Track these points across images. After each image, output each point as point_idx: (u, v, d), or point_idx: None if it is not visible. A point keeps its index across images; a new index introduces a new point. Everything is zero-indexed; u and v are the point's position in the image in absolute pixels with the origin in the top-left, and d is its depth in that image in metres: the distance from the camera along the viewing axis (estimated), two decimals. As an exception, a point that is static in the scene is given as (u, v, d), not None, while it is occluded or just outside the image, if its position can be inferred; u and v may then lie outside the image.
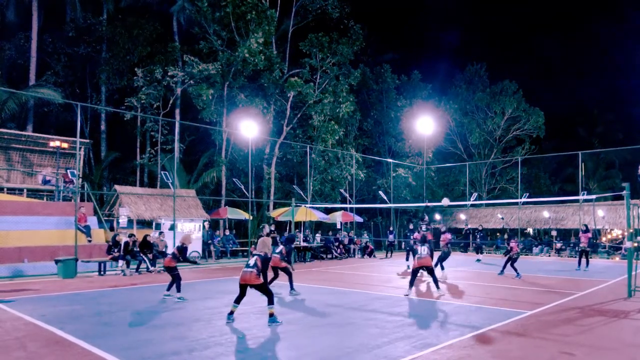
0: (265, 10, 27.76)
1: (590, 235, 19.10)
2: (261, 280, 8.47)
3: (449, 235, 17.05)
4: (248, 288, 8.53)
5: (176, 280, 10.95)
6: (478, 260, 23.26)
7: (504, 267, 16.47)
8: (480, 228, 27.93)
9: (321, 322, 8.77)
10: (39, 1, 27.28)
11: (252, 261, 8.58)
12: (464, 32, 66.90)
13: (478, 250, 25.69)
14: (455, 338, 7.40)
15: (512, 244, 16.36)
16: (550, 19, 67.58)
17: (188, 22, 30.48)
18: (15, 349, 6.74)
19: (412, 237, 17.82)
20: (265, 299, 8.54)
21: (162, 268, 17.35)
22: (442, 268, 15.92)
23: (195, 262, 11.53)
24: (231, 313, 8.65)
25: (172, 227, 19.95)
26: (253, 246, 8.75)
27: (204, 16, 27.51)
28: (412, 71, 39.25)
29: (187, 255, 11.46)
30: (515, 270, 15.87)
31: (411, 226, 25.48)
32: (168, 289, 11.10)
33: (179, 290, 10.93)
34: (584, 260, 18.80)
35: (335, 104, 30.40)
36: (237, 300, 8.69)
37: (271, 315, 8.43)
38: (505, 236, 18.05)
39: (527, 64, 62.24)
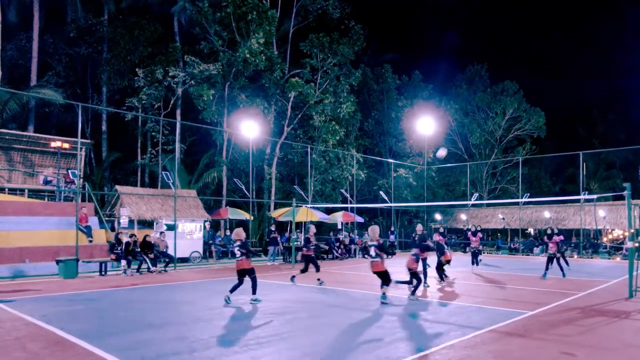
0: (266, 11, 27.77)
1: (561, 238, 18.31)
2: (384, 267, 10.47)
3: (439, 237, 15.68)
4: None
5: (253, 282, 10.52)
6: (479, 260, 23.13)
7: (547, 268, 15.92)
8: (479, 228, 27.79)
9: (322, 322, 8.77)
10: (40, 2, 27.32)
11: (372, 252, 10.49)
12: (465, 32, 66.98)
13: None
14: (456, 338, 7.40)
15: (551, 244, 15.99)
16: (551, 19, 67.60)
17: (189, 23, 30.51)
18: (16, 349, 6.75)
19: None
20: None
21: (172, 267, 17.45)
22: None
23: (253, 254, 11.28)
24: (383, 294, 10.56)
25: (172, 227, 19.93)
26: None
27: (205, 17, 27.54)
28: (412, 71, 39.31)
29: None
30: (561, 269, 15.80)
31: (420, 227, 25.19)
32: (232, 291, 10.56)
33: (254, 292, 10.57)
34: (556, 266, 17.50)
35: (336, 104, 30.42)
36: (383, 284, 10.66)
37: (383, 293, 10.54)
38: (548, 231, 17.22)
39: (527, 64, 62.25)
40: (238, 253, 10.46)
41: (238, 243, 10.49)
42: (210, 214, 24.60)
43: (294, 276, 14.29)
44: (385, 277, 10.51)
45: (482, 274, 17.14)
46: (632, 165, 40.01)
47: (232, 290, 10.48)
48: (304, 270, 13.92)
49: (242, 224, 30.24)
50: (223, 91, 28.68)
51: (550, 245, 16.23)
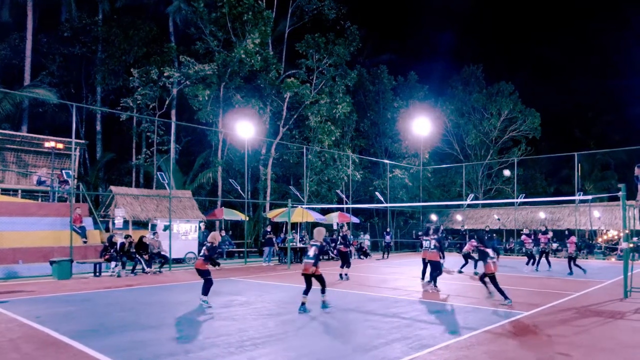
0: (261, 11, 27.74)
1: (549, 236, 19.11)
2: (319, 271, 9.53)
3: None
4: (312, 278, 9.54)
5: (207, 283, 10.34)
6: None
7: (570, 266, 17.24)
8: (487, 229, 27.57)
9: (318, 323, 8.74)
10: (34, 1, 27.15)
11: (311, 252, 9.54)
12: (460, 33, 67.06)
13: None
14: (451, 339, 7.39)
15: (569, 243, 17.45)
16: (547, 20, 67.89)
17: (184, 23, 30.42)
18: (10, 350, 6.69)
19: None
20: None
21: (166, 268, 17.38)
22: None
23: (218, 264, 11.13)
24: (303, 304, 9.48)
25: (167, 228, 19.86)
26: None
27: (200, 17, 27.48)
28: (408, 72, 39.32)
29: (215, 254, 10.87)
30: (580, 267, 16.98)
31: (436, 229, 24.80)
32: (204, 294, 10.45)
33: (205, 294, 10.31)
34: (544, 259, 19.17)
35: (331, 105, 30.39)
36: (306, 292, 9.57)
37: (324, 302, 9.78)
38: (566, 232, 19.04)
39: (523, 65, 62.47)
40: (201, 252, 10.68)
41: (208, 245, 10.65)
42: (205, 215, 24.53)
43: (341, 274, 15.69)
44: (322, 282, 9.73)
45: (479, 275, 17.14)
46: (627, 166, 40.20)
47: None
48: (346, 265, 15.67)
49: (237, 224, 30.19)
50: (218, 91, 28.61)
51: (542, 240, 18.42)
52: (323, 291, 9.85)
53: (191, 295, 11.66)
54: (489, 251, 10.93)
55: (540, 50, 63.55)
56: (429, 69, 63.11)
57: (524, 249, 22.32)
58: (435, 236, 13.22)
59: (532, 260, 19.58)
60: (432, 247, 12.96)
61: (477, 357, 6.48)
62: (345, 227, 17.29)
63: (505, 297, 10.49)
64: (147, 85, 27.09)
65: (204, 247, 10.65)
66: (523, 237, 21.03)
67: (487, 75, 42.16)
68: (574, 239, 17.85)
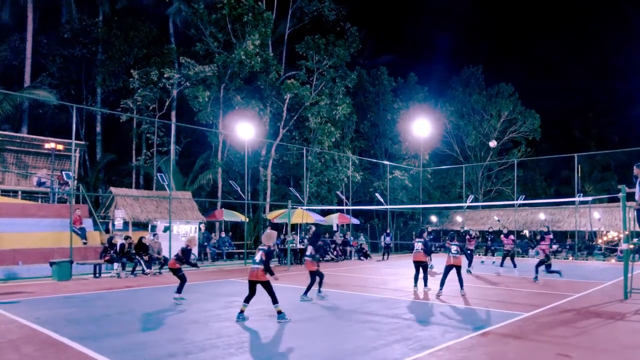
0: (261, 13, 27.75)
1: (551, 236, 18.28)
2: (267, 277, 8.60)
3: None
4: (257, 285, 8.70)
5: (181, 280, 11.11)
6: (493, 262, 23.01)
7: (539, 270, 15.81)
8: (490, 230, 27.45)
9: (317, 324, 8.74)
10: (35, 2, 27.18)
11: (257, 256, 8.72)
12: (461, 34, 67.12)
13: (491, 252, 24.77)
14: (452, 340, 7.38)
15: (542, 246, 16.05)
16: (547, 21, 67.95)
17: (184, 24, 30.43)
18: (9, 352, 6.68)
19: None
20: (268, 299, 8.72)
21: (166, 269, 17.38)
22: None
23: (195, 265, 11.61)
24: (241, 312, 8.86)
25: (167, 229, 19.85)
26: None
27: (200, 18, 27.49)
28: (408, 73, 39.35)
29: (190, 257, 11.59)
30: (514, 264, 17.42)
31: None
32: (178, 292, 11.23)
33: (179, 292, 11.00)
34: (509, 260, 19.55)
35: (331, 106, 30.40)
36: (247, 299, 8.84)
37: (279, 312, 8.70)
38: (538, 237, 18.88)
39: (523, 66, 62.52)
40: (165, 253, 11.29)
41: (183, 247, 11.31)
42: (205, 216, 24.51)
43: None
44: (269, 291, 8.64)
45: (478, 276, 17.15)
46: (627, 167, 40.20)
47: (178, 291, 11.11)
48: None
49: (237, 225, 30.19)
50: (218, 93, 28.61)
51: (506, 242, 19.15)
52: (274, 302, 8.70)
53: (191, 296, 11.66)
54: (309, 248, 11.79)
55: (540, 51, 63.68)
56: (428, 70, 63.24)
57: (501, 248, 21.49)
58: (457, 241, 12.65)
59: (507, 260, 19.50)
60: (455, 251, 12.26)
61: (477, 358, 6.48)
62: (313, 229, 16.97)
63: (305, 293, 11.14)
64: (147, 87, 27.07)
65: (180, 249, 11.34)
66: (502, 236, 20.43)
67: (487, 76, 42.31)
68: (542, 245, 16.11)
